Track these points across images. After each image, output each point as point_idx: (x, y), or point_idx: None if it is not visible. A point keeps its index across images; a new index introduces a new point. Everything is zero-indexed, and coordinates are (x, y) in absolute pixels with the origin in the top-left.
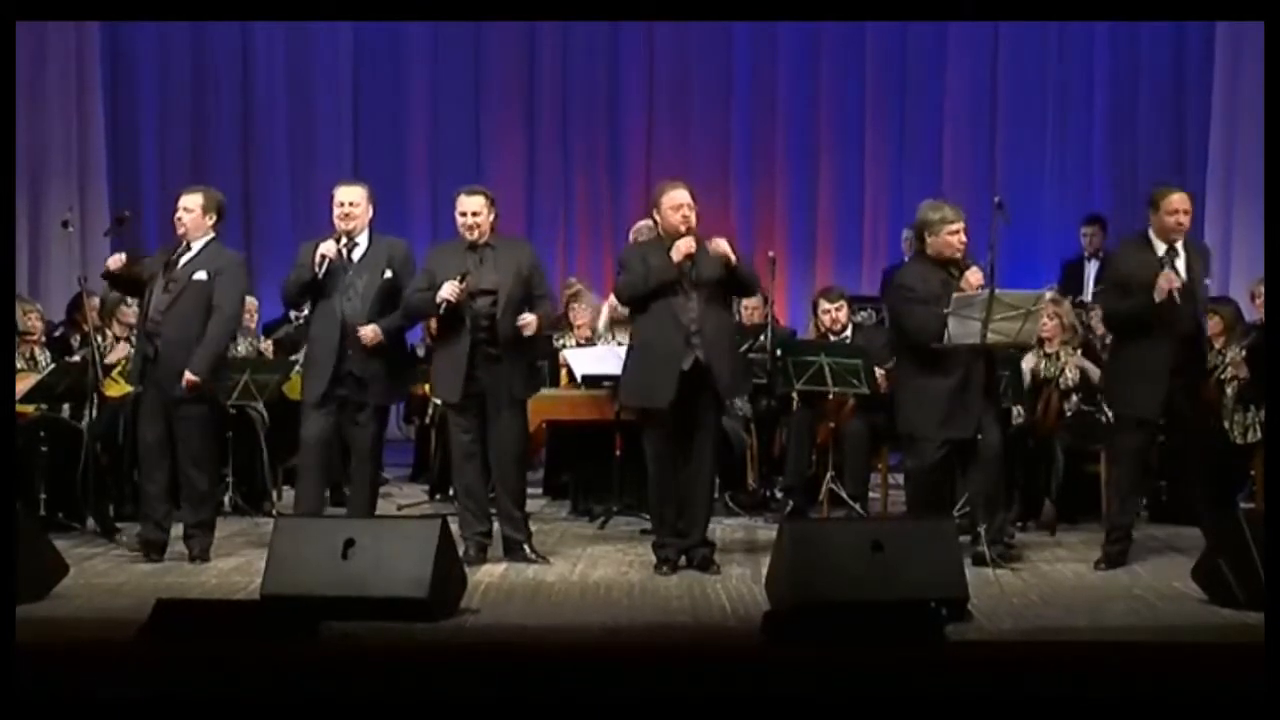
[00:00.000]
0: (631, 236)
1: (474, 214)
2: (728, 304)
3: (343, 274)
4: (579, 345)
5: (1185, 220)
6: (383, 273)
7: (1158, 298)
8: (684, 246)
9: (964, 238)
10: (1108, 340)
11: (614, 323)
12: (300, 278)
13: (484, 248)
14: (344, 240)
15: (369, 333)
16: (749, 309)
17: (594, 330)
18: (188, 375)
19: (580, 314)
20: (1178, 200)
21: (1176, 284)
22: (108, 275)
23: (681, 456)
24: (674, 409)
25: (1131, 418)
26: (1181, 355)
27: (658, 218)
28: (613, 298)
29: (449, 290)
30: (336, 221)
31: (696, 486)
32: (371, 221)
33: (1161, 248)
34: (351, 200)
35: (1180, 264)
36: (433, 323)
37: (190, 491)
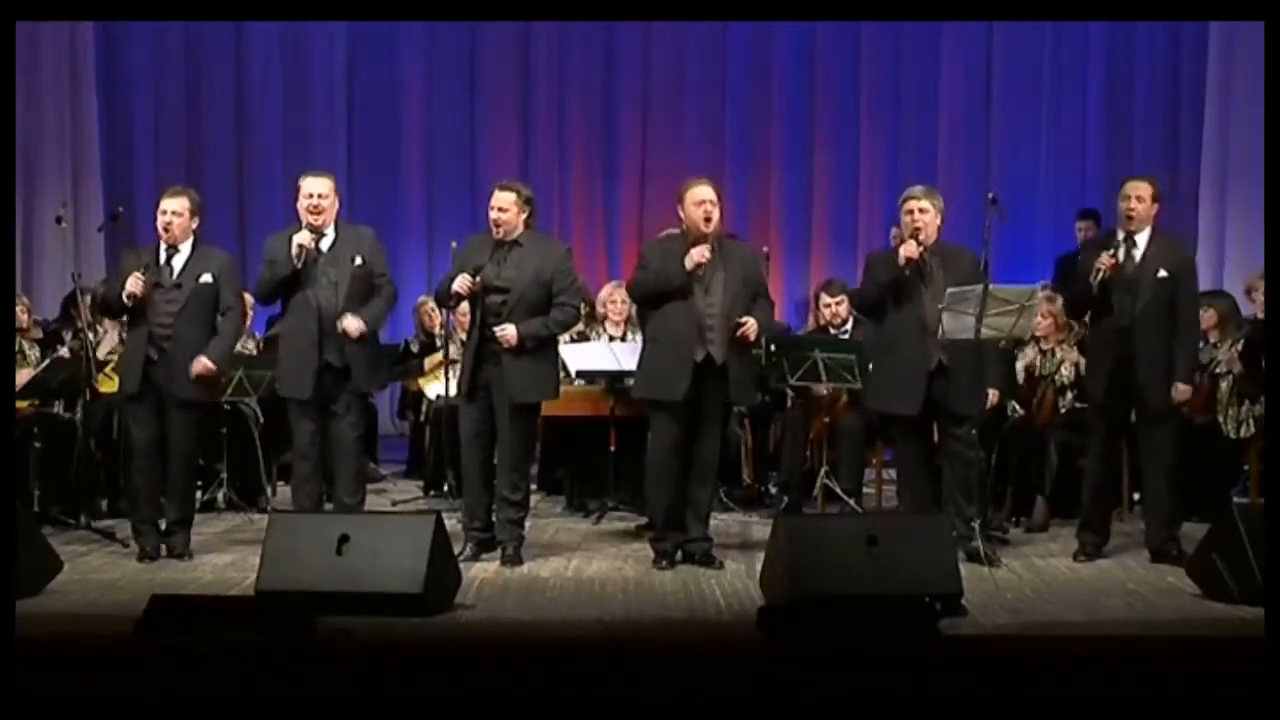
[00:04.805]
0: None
1: (500, 210)
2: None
3: (314, 266)
4: (573, 340)
5: (1136, 205)
6: (352, 260)
7: (1091, 277)
8: (696, 256)
9: (918, 215)
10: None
11: (606, 317)
12: (276, 274)
13: (511, 245)
14: (314, 230)
15: (352, 325)
16: None
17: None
18: (204, 362)
19: None
20: (1127, 187)
21: (1104, 263)
22: (131, 298)
23: (687, 451)
24: (684, 403)
25: (1096, 406)
26: (1121, 345)
27: (682, 214)
28: (603, 292)
29: (460, 284)
30: (306, 214)
31: (701, 481)
32: (338, 213)
33: (1121, 236)
34: (320, 192)
35: (1135, 254)
36: (434, 321)
37: (177, 490)
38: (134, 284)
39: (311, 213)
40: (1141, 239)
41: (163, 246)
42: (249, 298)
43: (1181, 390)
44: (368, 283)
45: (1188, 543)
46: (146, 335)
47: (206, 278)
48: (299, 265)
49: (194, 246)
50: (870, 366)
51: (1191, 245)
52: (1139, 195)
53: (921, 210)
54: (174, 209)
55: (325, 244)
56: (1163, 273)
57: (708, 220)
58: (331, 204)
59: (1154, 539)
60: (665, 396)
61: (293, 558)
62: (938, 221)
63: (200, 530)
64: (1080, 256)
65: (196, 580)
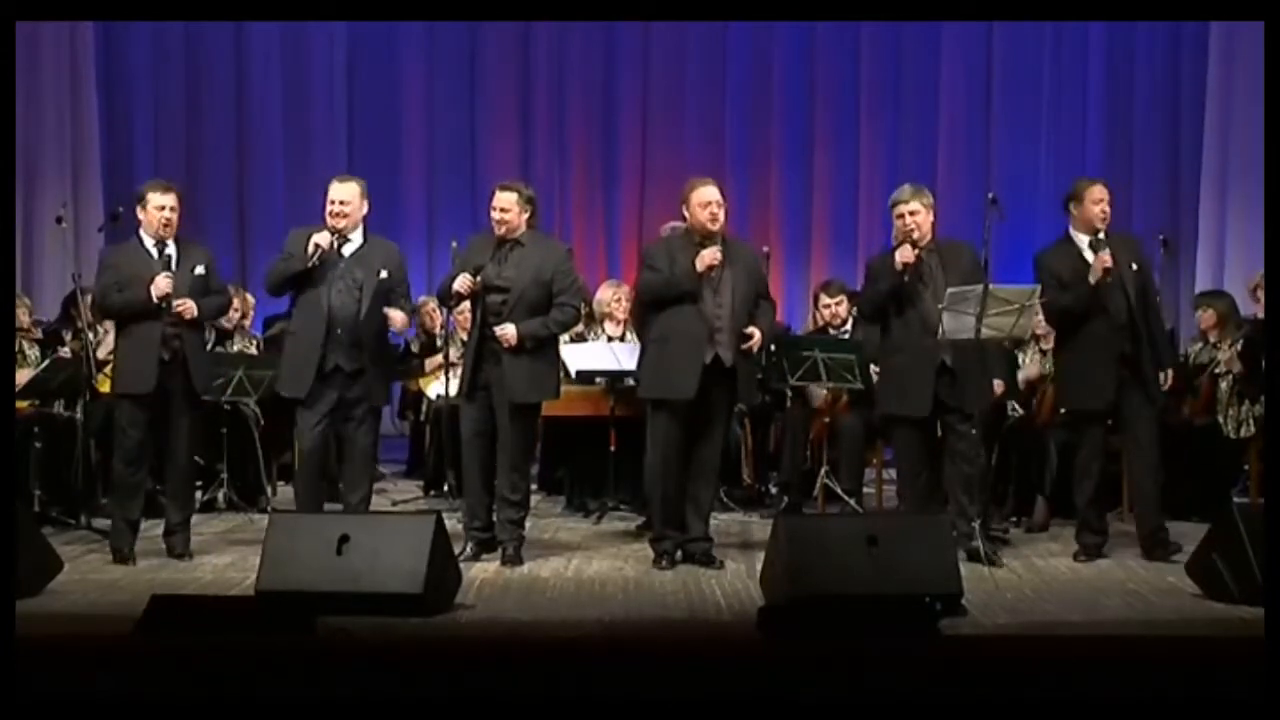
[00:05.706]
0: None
1: (502, 210)
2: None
3: (332, 268)
4: (571, 341)
5: (1107, 207)
6: (378, 273)
7: (1092, 279)
8: (708, 258)
9: (910, 219)
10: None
11: (605, 317)
12: (289, 268)
13: (512, 244)
14: (337, 233)
15: (399, 320)
16: None
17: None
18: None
19: None
20: (1100, 190)
21: (1109, 262)
22: (165, 299)
23: (689, 451)
24: (688, 403)
25: (1081, 412)
26: (1121, 344)
27: (687, 215)
28: (601, 291)
29: (460, 283)
30: (328, 219)
31: (702, 481)
32: (366, 218)
33: (1085, 240)
34: (343, 199)
35: (1105, 254)
36: (434, 321)
37: (178, 491)
38: (166, 284)
39: (334, 217)
40: (1101, 238)
41: (150, 242)
42: (250, 297)
43: (1174, 375)
44: (387, 299)
45: (1188, 542)
46: (160, 336)
47: (199, 270)
48: (310, 264)
49: (177, 241)
50: (875, 370)
51: (1191, 245)
52: (1109, 198)
53: (913, 212)
54: (171, 204)
55: (349, 249)
56: (1134, 266)
57: (714, 221)
58: (356, 209)
59: (1143, 528)
60: (675, 395)
61: (293, 558)
62: (930, 219)
63: (200, 530)
64: (1047, 265)
65: (196, 580)
